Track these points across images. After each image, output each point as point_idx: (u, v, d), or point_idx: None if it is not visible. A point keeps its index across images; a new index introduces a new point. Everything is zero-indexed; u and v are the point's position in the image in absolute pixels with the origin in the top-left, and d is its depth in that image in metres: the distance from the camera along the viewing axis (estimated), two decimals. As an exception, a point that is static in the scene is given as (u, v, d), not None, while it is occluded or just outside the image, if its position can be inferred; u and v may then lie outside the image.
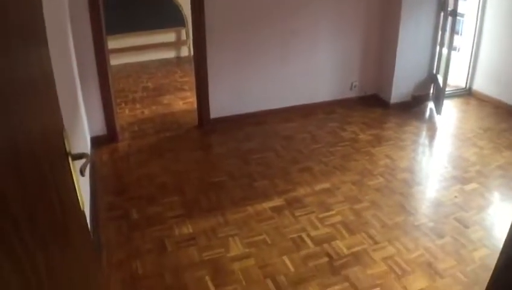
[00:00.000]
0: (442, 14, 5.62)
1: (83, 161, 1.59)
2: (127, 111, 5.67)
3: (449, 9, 5.40)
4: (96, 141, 4.70)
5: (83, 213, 1.60)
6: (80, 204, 1.52)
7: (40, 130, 1.20)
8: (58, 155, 1.41)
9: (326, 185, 4.07)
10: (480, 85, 6.31)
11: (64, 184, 1.41)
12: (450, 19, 5.33)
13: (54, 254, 1.13)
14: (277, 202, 3.80)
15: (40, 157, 1.14)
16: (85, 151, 4.02)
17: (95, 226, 3.31)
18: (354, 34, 5.66)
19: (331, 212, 3.68)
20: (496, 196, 4.09)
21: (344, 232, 3.45)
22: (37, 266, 0.95)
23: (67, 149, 1.47)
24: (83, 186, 1.66)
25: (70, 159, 1.47)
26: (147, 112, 5.67)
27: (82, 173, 1.54)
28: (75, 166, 1.50)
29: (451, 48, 5.32)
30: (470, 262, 3.21)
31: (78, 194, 1.49)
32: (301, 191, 3.96)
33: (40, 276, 0.96)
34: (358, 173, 4.30)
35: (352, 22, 5.59)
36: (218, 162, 4.54)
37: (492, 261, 3.21)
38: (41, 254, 0.99)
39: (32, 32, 1.25)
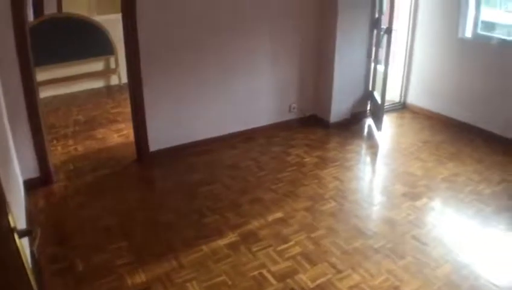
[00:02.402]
0: (375, 31, 5.69)
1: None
2: (59, 148, 5.31)
3: (383, 27, 5.49)
4: (29, 185, 4.32)
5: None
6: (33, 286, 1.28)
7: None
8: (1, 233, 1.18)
9: (279, 215, 3.93)
10: (414, 98, 6.45)
11: (12, 267, 1.18)
12: (385, 36, 5.40)
13: None
14: (231, 237, 3.61)
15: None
16: (20, 200, 3.69)
17: (39, 288, 2.99)
18: (291, 56, 5.61)
19: (289, 244, 3.54)
20: (447, 209, 4.12)
21: (305, 264, 3.32)
22: None
23: (12, 225, 1.23)
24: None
25: (16, 236, 1.24)
26: (80, 148, 5.33)
27: (34, 255, 1.30)
28: (23, 244, 1.26)
29: (387, 65, 5.39)
30: (435, 281, 3.17)
31: (29, 277, 1.25)
32: (255, 224, 3.80)
33: None
34: (309, 198, 4.20)
35: (289, 44, 5.55)
36: (163, 198, 4.30)
37: (456, 278, 3.21)
38: None
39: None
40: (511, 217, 3.97)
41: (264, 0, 5.19)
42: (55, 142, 5.45)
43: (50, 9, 7.24)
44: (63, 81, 7.19)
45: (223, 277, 3.19)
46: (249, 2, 5.09)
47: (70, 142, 5.49)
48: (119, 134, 5.71)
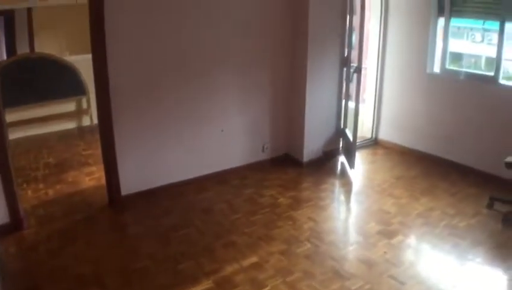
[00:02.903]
0: (345, 69, 5.75)
1: None
2: (30, 192, 5.14)
3: (353, 65, 5.55)
4: (-1, 231, 4.16)
5: None
6: None
7: None
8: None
9: (254, 259, 3.83)
10: (386, 134, 6.50)
11: None
12: (355, 75, 5.45)
13: None
14: (206, 285, 3.49)
15: None
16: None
17: None
18: (263, 96, 5.62)
19: (264, 289, 3.44)
20: (423, 246, 4.09)
21: (282, 310, 3.22)
22: None
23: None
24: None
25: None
26: (51, 192, 5.17)
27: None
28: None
29: (358, 102, 5.42)
30: (415, 323, 3.10)
31: None
32: (229, 269, 3.69)
33: None
34: (284, 241, 4.12)
35: (260, 84, 5.56)
36: (137, 244, 4.15)
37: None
38: None
39: None
40: (487, 250, 3.97)
41: (235, 40, 5.21)
42: (25, 185, 5.28)
43: (23, 48, 7.18)
44: (34, 122, 7.07)
45: (197, 329, 3.07)
46: (220, 42, 5.10)
47: (41, 185, 5.33)
48: (90, 177, 5.57)
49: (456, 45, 6.05)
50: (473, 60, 7.35)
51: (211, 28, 5.00)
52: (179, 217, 4.58)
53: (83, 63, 7.06)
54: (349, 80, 5.75)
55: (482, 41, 7.88)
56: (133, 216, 4.67)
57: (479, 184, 5.20)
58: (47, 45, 7.32)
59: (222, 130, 5.41)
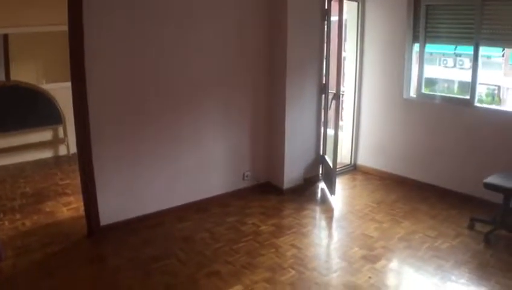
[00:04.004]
0: (323, 96, 5.80)
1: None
2: (6, 223, 5.00)
3: (331, 91, 5.61)
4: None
5: None
6: None
7: None
8: None
9: (238, 288, 3.76)
10: (364, 159, 6.55)
11: None
12: (334, 102, 5.49)
13: None
14: (190, 316, 3.43)
15: None
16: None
17: None
18: (243, 125, 5.64)
19: (250, 319, 3.38)
20: (407, 269, 4.08)
21: (269, 339, 3.16)
22: None
23: None
24: None
25: None
26: (28, 223, 5.03)
27: None
28: None
29: (337, 128, 5.46)
30: None
31: None
32: (214, 300, 3.63)
33: None
34: (268, 269, 4.07)
35: (240, 114, 5.58)
36: (116, 277, 4.02)
37: None
38: None
39: None
40: (471, 269, 3.98)
41: (213, 72, 5.24)
42: (1, 215, 5.16)
43: (-2, 76, 7.11)
44: (9, 151, 6.97)
45: None
46: (200, 72, 5.12)
47: (18, 216, 5.19)
48: (68, 207, 5.45)
49: (429, 71, 6.19)
50: (446, 84, 7.50)
51: (192, 57, 5.04)
52: (159, 248, 4.49)
53: (59, 92, 7.04)
54: (327, 107, 5.80)
55: (454, 66, 8.07)
56: (112, 247, 4.56)
57: (458, 205, 5.27)
58: (23, 73, 7.23)
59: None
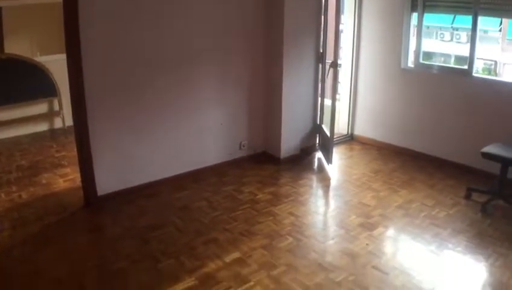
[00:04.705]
0: (321, 66, 5.75)
1: None
2: (3, 195, 4.97)
3: (328, 61, 5.56)
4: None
5: None
6: None
7: None
8: None
9: (236, 255, 3.77)
10: (362, 129, 6.53)
11: None
12: (331, 70, 5.44)
13: None
14: (189, 282, 3.41)
15: None
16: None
17: None
18: (240, 94, 5.58)
19: (249, 284, 3.38)
20: (404, 236, 4.10)
21: (268, 304, 3.17)
22: None
23: None
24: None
25: None
26: (24, 195, 5.00)
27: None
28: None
29: (335, 98, 5.43)
30: (400, 311, 3.09)
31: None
32: (212, 266, 3.62)
33: None
34: (266, 236, 4.07)
35: (237, 81, 5.52)
36: (114, 245, 4.02)
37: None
38: None
39: None
40: (468, 238, 4.01)
41: (211, 39, 5.16)
42: (-2, 188, 5.14)
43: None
44: (5, 124, 6.90)
45: (182, 326, 2.99)
46: (196, 40, 5.05)
47: (14, 188, 5.16)
48: (64, 179, 5.42)
49: (426, 44, 6.12)
50: (442, 58, 7.46)
51: (190, 24, 4.96)
52: (156, 216, 4.49)
53: (54, 64, 6.93)
54: (325, 75, 5.75)
55: (451, 40, 8.01)
56: (109, 217, 4.55)
57: (455, 175, 5.27)
58: (17, 46, 7.13)
59: (221, 124, 5.47)
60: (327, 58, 5.73)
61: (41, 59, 7.21)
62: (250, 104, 5.71)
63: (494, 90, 5.14)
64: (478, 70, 5.57)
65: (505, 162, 4.39)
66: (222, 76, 5.38)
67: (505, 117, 5.02)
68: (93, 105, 4.47)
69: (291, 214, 4.48)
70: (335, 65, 5.38)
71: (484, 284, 3.41)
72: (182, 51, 4.98)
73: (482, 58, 7.47)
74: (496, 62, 7.90)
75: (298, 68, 5.62)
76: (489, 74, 7.60)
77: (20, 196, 4.98)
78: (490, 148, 4.49)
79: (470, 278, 3.49)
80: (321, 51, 5.75)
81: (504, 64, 7.83)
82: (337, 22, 5.29)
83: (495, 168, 4.59)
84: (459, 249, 3.83)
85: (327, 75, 5.70)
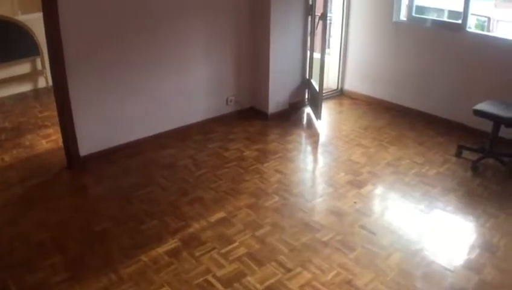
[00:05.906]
0: (310, 18, 5.55)
1: None
2: (-14, 159, 4.86)
3: (317, 14, 5.36)
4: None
5: None
6: None
7: None
8: None
9: (221, 214, 3.69)
10: (352, 84, 6.39)
11: None
12: (320, 22, 5.24)
13: None
14: (172, 244, 3.34)
15: None
16: None
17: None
18: (226, 48, 5.39)
19: (233, 245, 3.31)
20: (393, 194, 4.04)
21: (252, 265, 3.10)
22: None
23: None
24: None
25: None
26: (7, 158, 4.85)
27: None
28: None
29: (324, 52, 5.25)
30: (388, 271, 3.06)
31: None
32: (196, 226, 3.54)
33: None
34: (252, 194, 3.98)
35: (223, 36, 5.31)
36: (97, 206, 3.94)
37: (408, 265, 3.09)
38: None
39: None
40: (458, 197, 3.96)
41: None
42: (-20, 151, 4.98)
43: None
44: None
45: (166, 288, 2.91)
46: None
47: (-2, 151, 5.04)
48: (47, 140, 5.26)
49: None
50: (435, 14, 7.25)
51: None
52: (140, 176, 4.38)
53: (35, 22, 6.62)
54: (314, 28, 5.56)
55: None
56: (92, 177, 4.43)
57: (446, 133, 5.18)
58: (-2, 4, 6.86)
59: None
60: (316, 10, 5.53)
61: (23, 18, 6.92)
62: (237, 59, 5.52)
63: (488, 46, 4.98)
64: (471, 26, 5.37)
65: (497, 120, 4.29)
66: (208, 31, 5.17)
67: (499, 74, 4.87)
68: (73, 63, 4.27)
69: (278, 171, 4.39)
70: (324, 17, 5.18)
71: (474, 246, 3.35)
72: (167, 6, 4.75)
73: (475, 14, 7.29)
74: (489, 18, 7.73)
75: (286, 20, 5.41)
76: (482, 30, 7.43)
77: (2, 159, 4.83)
78: (482, 106, 4.38)
79: (460, 239, 3.44)
80: (310, 3, 5.54)
81: (497, 20, 7.67)
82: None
83: (487, 126, 4.50)
84: (449, 208, 3.78)
85: (316, 27, 5.50)
